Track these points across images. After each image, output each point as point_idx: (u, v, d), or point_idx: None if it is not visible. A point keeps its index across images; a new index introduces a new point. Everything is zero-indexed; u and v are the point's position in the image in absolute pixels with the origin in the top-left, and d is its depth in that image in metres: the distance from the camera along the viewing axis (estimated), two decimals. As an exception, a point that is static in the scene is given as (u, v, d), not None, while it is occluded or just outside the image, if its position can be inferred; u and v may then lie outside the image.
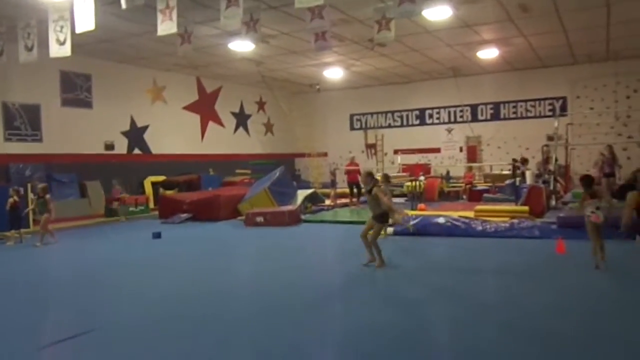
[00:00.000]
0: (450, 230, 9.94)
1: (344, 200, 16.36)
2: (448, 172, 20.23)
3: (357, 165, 17.26)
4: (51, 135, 15.04)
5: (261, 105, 23.97)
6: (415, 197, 15.00)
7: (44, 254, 9.81)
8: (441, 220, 10.25)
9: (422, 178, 16.51)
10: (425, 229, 10.06)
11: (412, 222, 10.34)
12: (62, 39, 10.55)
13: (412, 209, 13.29)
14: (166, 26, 10.10)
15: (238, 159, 21.85)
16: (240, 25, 10.95)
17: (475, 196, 16.13)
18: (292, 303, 5.80)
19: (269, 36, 14.21)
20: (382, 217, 7.54)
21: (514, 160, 15.19)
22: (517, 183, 13.00)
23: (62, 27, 10.47)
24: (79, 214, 15.01)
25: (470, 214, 11.42)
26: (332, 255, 9.02)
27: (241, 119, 22.88)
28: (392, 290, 6.38)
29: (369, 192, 7.56)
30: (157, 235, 10.60)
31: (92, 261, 8.81)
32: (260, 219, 11.97)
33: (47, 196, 10.92)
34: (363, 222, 11.78)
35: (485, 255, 8.36)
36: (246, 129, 23.15)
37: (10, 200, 10.46)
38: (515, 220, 10.05)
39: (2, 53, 11.75)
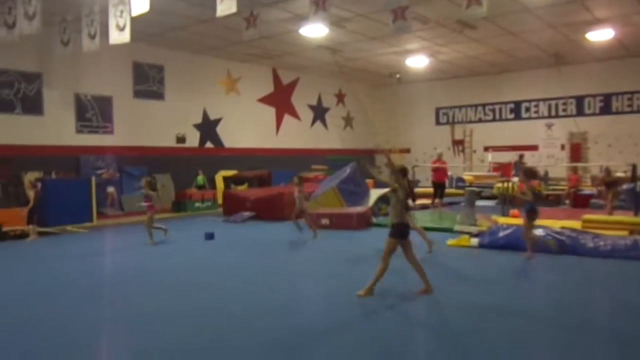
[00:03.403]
0: (552, 247, 8.10)
1: (424, 202, 14.67)
2: (547, 173, 17.84)
3: (444, 163, 15.55)
4: (122, 127, 14.83)
5: (340, 97, 22.80)
6: (507, 202, 13.05)
7: (56, 251, 9.24)
8: (540, 232, 8.40)
9: (515, 179, 14.45)
10: (518, 243, 8.25)
11: (502, 233, 8.62)
12: (121, 24, 10.03)
13: (503, 216, 11.44)
14: (225, 6, 9.22)
15: (315, 154, 20.86)
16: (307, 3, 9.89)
17: (581, 202, 13.85)
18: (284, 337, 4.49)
19: (343, 19, 12.95)
20: (397, 230, 5.61)
21: None
22: (639, 188, 10.71)
23: (122, 11, 9.96)
24: (148, 208, 14.71)
25: (577, 224, 9.43)
26: (391, 274, 7.15)
27: (319, 112, 21.87)
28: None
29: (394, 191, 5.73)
30: (210, 237, 9.69)
31: (107, 267, 7.91)
32: (325, 220, 10.75)
33: None
34: (444, 229, 10.32)
35: (605, 289, 6.15)
36: (324, 123, 22.11)
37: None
38: None
39: (68, 42, 11.49)
